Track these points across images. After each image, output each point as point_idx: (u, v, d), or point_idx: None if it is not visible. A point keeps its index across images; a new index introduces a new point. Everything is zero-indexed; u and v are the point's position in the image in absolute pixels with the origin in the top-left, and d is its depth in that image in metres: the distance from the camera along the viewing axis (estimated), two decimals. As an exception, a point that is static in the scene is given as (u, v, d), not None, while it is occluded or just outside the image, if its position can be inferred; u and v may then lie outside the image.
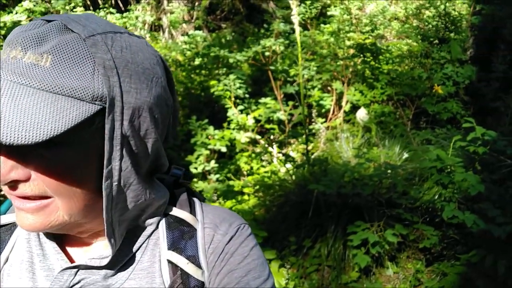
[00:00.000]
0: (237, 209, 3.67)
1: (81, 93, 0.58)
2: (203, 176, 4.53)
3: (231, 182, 4.28)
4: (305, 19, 6.67)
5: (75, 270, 0.69)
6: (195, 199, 0.81)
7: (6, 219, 0.77)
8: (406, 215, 3.05)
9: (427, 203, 3.10)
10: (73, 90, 0.58)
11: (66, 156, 0.61)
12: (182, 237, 0.74)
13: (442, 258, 3.03)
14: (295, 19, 2.96)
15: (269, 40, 5.45)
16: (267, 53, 5.54)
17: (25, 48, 0.58)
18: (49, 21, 0.61)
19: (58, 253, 0.70)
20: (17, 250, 0.74)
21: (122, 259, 0.71)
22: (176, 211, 0.77)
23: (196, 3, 8.23)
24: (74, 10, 6.09)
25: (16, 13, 4.91)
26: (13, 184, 0.61)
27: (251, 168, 4.47)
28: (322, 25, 6.60)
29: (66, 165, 0.61)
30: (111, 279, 0.70)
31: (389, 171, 3.37)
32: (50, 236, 0.72)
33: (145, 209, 0.72)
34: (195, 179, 4.38)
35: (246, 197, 3.97)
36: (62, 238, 0.73)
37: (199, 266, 0.72)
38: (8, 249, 0.74)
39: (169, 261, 0.72)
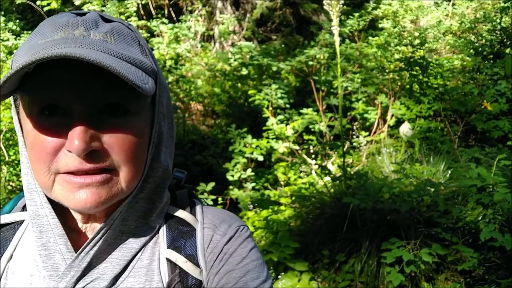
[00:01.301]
0: (273, 219, 3.65)
1: (146, 67, 0.67)
2: (240, 184, 4.55)
3: (266, 192, 4.27)
4: (352, 31, 6.60)
5: (81, 269, 0.69)
6: (196, 201, 0.82)
7: (10, 218, 0.78)
8: (445, 235, 2.92)
9: (470, 223, 2.96)
10: (141, 63, 0.66)
11: (135, 124, 0.68)
12: (181, 236, 0.75)
13: (483, 282, 2.87)
14: (335, 30, 2.95)
15: (313, 49, 5.43)
16: (310, 63, 5.52)
17: (87, 29, 0.64)
18: (80, 14, 0.67)
19: (69, 252, 0.70)
20: (21, 249, 0.75)
21: (128, 258, 0.72)
22: (176, 211, 0.78)
23: (248, 15, 8.36)
24: (129, 19, 6.34)
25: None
26: (87, 157, 0.64)
27: (289, 178, 4.45)
28: (370, 38, 6.50)
29: (136, 132, 0.68)
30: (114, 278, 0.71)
31: (432, 189, 3.23)
32: (61, 235, 0.71)
33: (155, 204, 0.75)
34: (230, 187, 4.41)
35: (282, 207, 3.95)
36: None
37: (197, 265, 0.73)
38: (12, 247, 0.75)
39: (168, 259, 0.72)
